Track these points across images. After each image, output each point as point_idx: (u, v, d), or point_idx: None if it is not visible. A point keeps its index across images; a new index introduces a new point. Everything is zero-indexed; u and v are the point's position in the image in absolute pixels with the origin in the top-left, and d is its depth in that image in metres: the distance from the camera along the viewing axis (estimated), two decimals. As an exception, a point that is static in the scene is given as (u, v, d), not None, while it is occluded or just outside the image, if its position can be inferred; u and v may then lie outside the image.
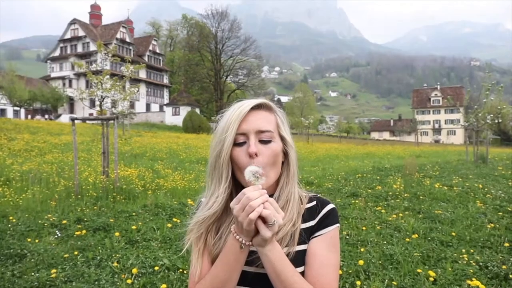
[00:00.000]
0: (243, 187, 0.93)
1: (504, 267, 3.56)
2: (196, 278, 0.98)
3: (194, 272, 0.99)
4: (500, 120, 15.62)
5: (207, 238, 1.01)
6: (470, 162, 14.10)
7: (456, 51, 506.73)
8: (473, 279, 3.14)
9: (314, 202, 1.05)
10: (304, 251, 0.99)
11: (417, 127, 59.36)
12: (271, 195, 0.98)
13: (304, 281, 0.91)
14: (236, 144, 0.95)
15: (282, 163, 1.01)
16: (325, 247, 0.98)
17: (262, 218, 0.82)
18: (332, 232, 1.00)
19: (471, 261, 3.72)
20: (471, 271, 3.49)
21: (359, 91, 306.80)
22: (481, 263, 3.69)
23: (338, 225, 1.03)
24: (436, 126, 78.21)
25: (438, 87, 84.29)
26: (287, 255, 0.92)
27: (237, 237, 0.87)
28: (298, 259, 0.96)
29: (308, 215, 1.02)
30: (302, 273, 0.96)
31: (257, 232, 0.85)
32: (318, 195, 1.08)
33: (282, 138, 1.01)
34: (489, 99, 14.22)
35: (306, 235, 0.99)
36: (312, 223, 1.01)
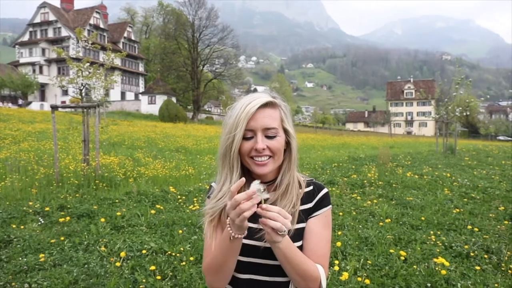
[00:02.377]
0: (249, 172, 1.13)
1: (466, 246, 3.91)
2: (208, 253, 1.12)
3: (208, 247, 1.12)
4: (468, 113, 16.36)
5: (221, 216, 1.14)
6: (439, 153, 14.78)
7: (429, 45, 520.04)
8: (439, 257, 3.45)
9: (311, 187, 1.20)
10: (302, 228, 1.14)
11: (390, 119, 60.96)
12: (274, 180, 1.15)
13: (308, 260, 1.07)
14: (244, 138, 1.08)
15: (284, 151, 1.14)
16: (321, 225, 1.15)
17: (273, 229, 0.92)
18: (326, 212, 1.17)
19: (438, 242, 4.05)
20: (438, 250, 3.82)
21: (335, 82, 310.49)
22: (446, 244, 4.03)
23: (331, 206, 1.20)
24: (409, 118, 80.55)
25: (411, 80, 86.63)
26: (288, 232, 1.01)
27: (229, 229, 0.97)
28: (297, 235, 1.11)
29: (306, 198, 1.17)
30: (300, 247, 1.11)
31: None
32: (314, 180, 1.23)
33: (285, 131, 1.14)
34: (458, 93, 14.88)
35: (304, 216, 1.15)
36: (310, 205, 1.16)
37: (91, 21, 51.93)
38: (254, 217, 0.96)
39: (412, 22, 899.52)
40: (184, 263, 3.38)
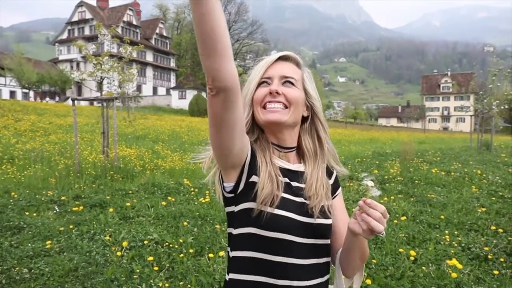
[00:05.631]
0: (267, 139, 1.04)
1: (486, 248, 3.63)
2: None
3: None
4: (506, 107, 15.36)
5: None
6: (473, 149, 14.01)
7: (469, 37, 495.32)
8: (453, 259, 3.22)
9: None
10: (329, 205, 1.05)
11: (425, 114, 58.70)
12: (294, 147, 1.06)
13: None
14: (260, 84, 1.02)
15: (307, 118, 1.07)
16: (343, 204, 1.12)
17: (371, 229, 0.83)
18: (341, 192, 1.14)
19: (454, 243, 3.79)
20: (452, 251, 3.57)
21: (368, 77, 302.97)
22: (463, 244, 3.76)
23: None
24: (445, 113, 77.20)
25: (449, 73, 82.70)
26: (328, 207, 1.00)
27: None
28: (327, 211, 1.02)
29: (327, 173, 1.09)
30: (330, 225, 1.02)
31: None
32: None
33: (306, 92, 1.05)
34: (495, 85, 13.99)
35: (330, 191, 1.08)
36: (330, 181, 1.09)
37: (125, 18, 53.42)
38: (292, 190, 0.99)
39: (451, 13, 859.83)
40: (182, 255, 3.35)
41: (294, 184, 1.01)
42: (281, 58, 1.04)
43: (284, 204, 0.94)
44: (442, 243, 3.81)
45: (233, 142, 0.89)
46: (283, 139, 1.03)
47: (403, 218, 4.58)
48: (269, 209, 0.92)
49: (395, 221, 4.48)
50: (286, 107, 0.99)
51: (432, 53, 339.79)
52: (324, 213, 0.99)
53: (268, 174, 0.96)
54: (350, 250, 0.95)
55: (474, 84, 15.20)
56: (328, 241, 1.02)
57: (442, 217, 4.67)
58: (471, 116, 15.89)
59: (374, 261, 3.31)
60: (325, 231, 1.00)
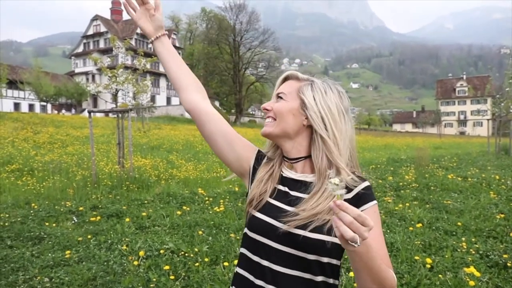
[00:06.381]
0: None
1: (505, 256, 3.56)
2: None
3: None
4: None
5: None
6: (491, 154, 13.74)
7: (484, 39, 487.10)
8: (471, 267, 3.17)
9: (351, 176, 1.01)
10: None
11: (440, 119, 57.77)
12: (300, 158, 1.06)
13: (387, 268, 0.88)
14: None
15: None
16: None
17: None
18: (373, 208, 0.98)
19: (471, 250, 3.73)
20: (470, 259, 3.51)
21: (381, 82, 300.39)
22: (481, 252, 3.70)
23: (376, 202, 1.00)
24: (462, 117, 75.81)
25: (464, 77, 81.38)
26: (327, 223, 0.92)
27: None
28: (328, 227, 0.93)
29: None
30: (320, 241, 0.93)
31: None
32: (357, 172, 1.05)
33: (303, 102, 1.04)
34: (512, 88, 13.73)
35: None
36: (347, 195, 0.97)
37: (138, 31, 54.45)
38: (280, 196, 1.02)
39: (464, 16, 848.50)
40: (198, 264, 3.40)
41: (293, 193, 1.02)
42: (285, 80, 1.13)
43: (267, 208, 1.00)
44: (459, 250, 3.75)
45: (223, 153, 1.12)
46: (286, 150, 1.08)
47: (419, 225, 4.53)
48: (251, 211, 1.02)
49: (411, 228, 4.44)
50: (275, 119, 1.06)
51: (446, 57, 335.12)
52: (316, 228, 0.93)
53: (258, 180, 1.06)
54: (355, 269, 0.85)
55: (491, 88, 14.90)
56: (321, 258, 0.94)
57: (459, 224, 4.60)
58: (488, 120, 15.59)
59: (389, 269, 3.28)
60: (311, 245, 0.93)
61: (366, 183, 1.01)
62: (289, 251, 0.96)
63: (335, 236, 0.86)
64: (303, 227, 0.93)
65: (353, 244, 0.73)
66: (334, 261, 0.97)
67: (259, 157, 1.14)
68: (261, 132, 1.09)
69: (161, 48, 1.18)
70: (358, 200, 0.98)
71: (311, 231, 0.93)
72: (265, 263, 0.98)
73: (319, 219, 0.93)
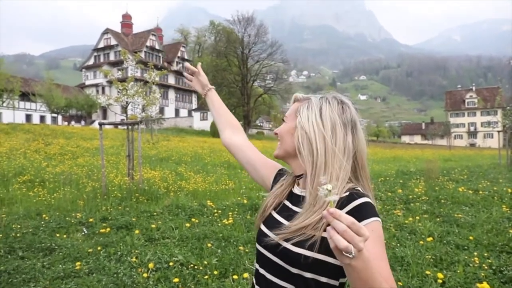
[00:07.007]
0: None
1: (519, 271, 3.49)
2: None
3: None
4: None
5: None
6: (503, 166, 13.54)
7: (493, 50, 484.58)
8: (484, 282, 3.11)
9: (346, 193, 0.96)
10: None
11: (450, 130, 57.24)
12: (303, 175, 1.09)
13: (385, 282, 0.81)
14: None
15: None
16: (370, 242, 0.81)
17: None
18: (370, 226, 0.89)
19: (484, 265, 3.67)
20: (483, 274, 3.45)
21: (389, 94, 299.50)
22: (494, 267, 3.64)
23: (376, 219, 0.92)
24: (472, 129, 75.03)
25: (473, 88, 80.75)
26: (311, 238, 0.91)
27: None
28: (324, 246, 0.90)
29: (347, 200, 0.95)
30: (327, 263, 0.92)
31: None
32: (356, 189, 0.99)
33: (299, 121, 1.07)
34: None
35: None
36: (342, 210, 0.92)
37: (148, 43, 55.48)
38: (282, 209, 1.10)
39: (472, 27, 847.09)
40: (207, 276, 3.39)
41: (294, 208, 1.07)
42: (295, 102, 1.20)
43: (269, 221, 1.10)
44: (471, 265, 3.69)
45: (252, 176, 1.33)
46: (292, 168, 1.15)
47: (429, 239, 4.47)
48: (259, 222, 1.13)
49: (421, 242, 4.38)
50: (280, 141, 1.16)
51: (454, 68, 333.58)
52: (299, 242, 0.93)
53: (269, 195, 1.17)
54: (354, 284, 0.78)
55: (501, 99, 14.79)
56: (302, 273, 0.94)
57: (471, 238, 4.53)
58: (499, 132, 15.42)
59: (400, 283, 3.24)
60: (292, 258, 0.94)
61: (360, 201, 0.94)
62: (278, 261, 1.00)
63: (319, 252, 0.91)
64: (288, 240, 0.97)
65: (347, 255, 0.68)
66: (323, 279, 0.94)
67: (278, 175, 1.24)
68: (273, 155, 1.19)
69: (208, 100, 1.51)
70: (357, 212, 0.92)
71: (294, 244, 0.94)
72: (262, 271, 1.07)
73: (305, 234, 0.93)
